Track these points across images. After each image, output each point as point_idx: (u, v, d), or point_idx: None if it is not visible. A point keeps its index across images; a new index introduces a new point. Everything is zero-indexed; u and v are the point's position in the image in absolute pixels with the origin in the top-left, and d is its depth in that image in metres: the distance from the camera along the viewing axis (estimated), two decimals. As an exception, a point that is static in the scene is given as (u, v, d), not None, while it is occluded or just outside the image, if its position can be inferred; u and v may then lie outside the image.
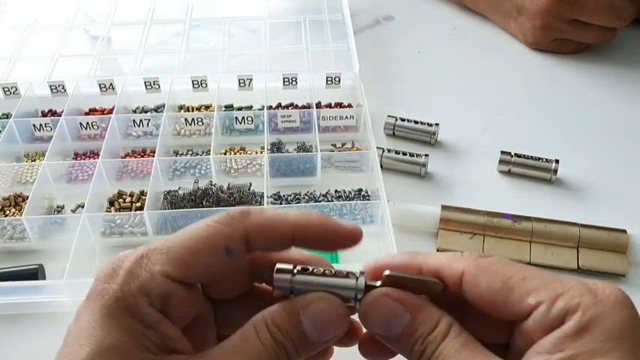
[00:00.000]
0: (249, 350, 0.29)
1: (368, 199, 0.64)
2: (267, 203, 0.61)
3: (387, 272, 0.31)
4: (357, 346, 0.34)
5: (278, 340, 0.29)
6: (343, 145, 0.72)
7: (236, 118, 0.72)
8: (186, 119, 0.72)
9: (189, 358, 0.29)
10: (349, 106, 0.76)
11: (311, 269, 0.31)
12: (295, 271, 0.31)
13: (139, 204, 0.63)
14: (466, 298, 0.30)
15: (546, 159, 0.67)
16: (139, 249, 0.30)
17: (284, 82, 0.75)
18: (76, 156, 0.71)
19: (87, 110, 0.76)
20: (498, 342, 0.31)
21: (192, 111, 0.76)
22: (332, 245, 0.32)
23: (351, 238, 0.32)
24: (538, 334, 0.28)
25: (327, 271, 0.31)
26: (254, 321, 0.30)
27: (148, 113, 0.75)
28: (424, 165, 0.67)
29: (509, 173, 0.68)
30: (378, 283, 0.31)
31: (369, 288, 0.31)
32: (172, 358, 0.28)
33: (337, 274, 0.31)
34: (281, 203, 0.64)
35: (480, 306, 0.30)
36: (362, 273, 0.31)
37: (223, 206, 0.62)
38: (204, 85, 0.75)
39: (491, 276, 0.29)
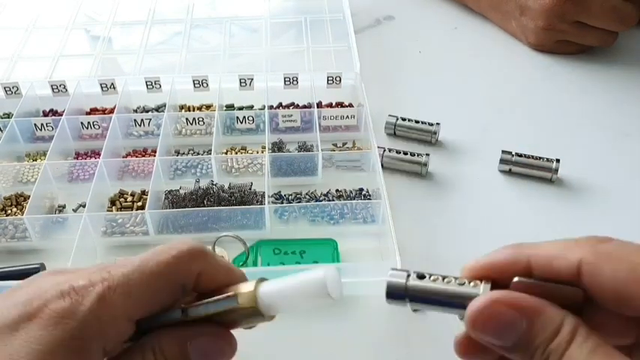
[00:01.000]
0: None
1: (369, 199, 0.64)
2: (269, 203, 0.61)
3: (516, 279, 0.27)
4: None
5: None
6: (344, 144, 0.72)
7: (237, 117, 0.72)
8: (187, 119, 0.72)
9: None
10: (350, 105, 0.76)
11: (427, 275, 0.29)
12: (411, 275, 0.28)
13: (140, 203, 0.64)
14: (586, 293, 0.27)
15: (547, 158, 0.67)
16: (96, 283, 0.28)
17: (285, 81, 0.75)
18: (78, 155, 0.71)
19: (88, 110, 0.76)
20: (623, 344, 0.28)
21: (194, 110, 0.76)
22: None
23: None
24: None
25: (444, 279, 0.28)
26: (142, 348, 0.29)
27: (149, 113, 0.75)
28: (425, 164, 0.67)
29: (509, 173, 0.68)
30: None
31: None
32: None
33: (455, 280, 0.28)
34: (282, 203, 0.64)
35: (604, 300, 0.26)
36: (487, 282, 0.28)
37: (224, 205, 0.62)
38: (205, 84, 0.75)
39: (615, 264, 0.25)
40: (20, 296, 0.28)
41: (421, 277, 0.28)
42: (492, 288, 0.27)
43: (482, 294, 0.27)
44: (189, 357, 0.29)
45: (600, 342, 0.25)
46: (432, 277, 0.28)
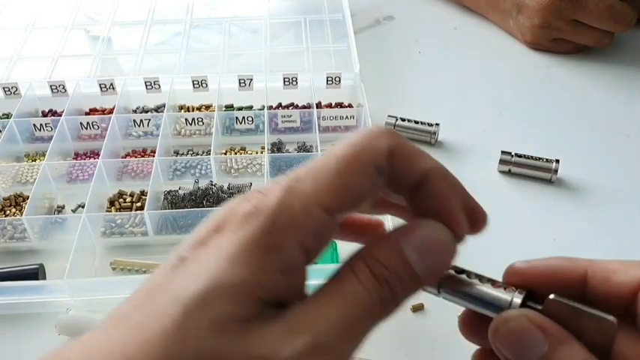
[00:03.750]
0: (347, 293, 0.24)
1: (368, 199, 0.64)
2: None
3: (552, 296, 0.26)
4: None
5: (380, 276, 0.25)
6: (343, 145, 0.72)
7: (236, 118, 0.72)
8: (186, 119, 0.72)
9: (281, 313, 0.24)
10: (349, 106, 0.76)
11: (466, 272, 0.28)
12: (450, 267, 0.28)
13: (139, 204, 0.63)
14: (637, 315, 0.26)
15: (547, 159, 0.67)
16: (280, 181, 0.25)
17: (284, 82, 0.75)
18: (77, 156, 0.71)
19: (87, 110, 0.76)
20: None
21: (193, 111, 0.76)
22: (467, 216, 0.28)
23: (480, 220, 0.29)
24: None
25: (482, 277, 0.27)
26: (350, 263, 0.25)
27: (149, 113, 0.75)
28: (424, 165, 0.66)
29: (509, 173, 0.68)
30: (540, 307, 0.26)
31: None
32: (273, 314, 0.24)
33: (494, 284, 0.27)
34: (281, 203, 0.64)
35: None
36: (523, 291, 0.27)
37: (224, 206, 0.62)
38: (204, 85, 0.75)
39: None
40: (209, 219, 0.26)
41: (459, 271, 0.28)
42: (527, 298, 0.27)
43: (515, 306, 0.26)
44: (406, 257, 0.25)
45: None
46: (470, 274, 0.28)
